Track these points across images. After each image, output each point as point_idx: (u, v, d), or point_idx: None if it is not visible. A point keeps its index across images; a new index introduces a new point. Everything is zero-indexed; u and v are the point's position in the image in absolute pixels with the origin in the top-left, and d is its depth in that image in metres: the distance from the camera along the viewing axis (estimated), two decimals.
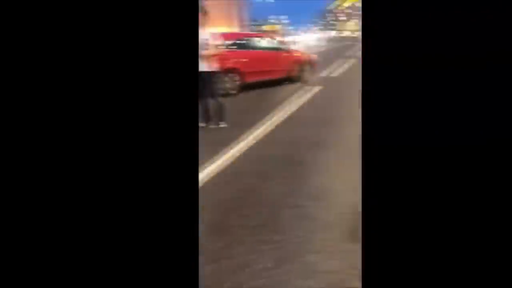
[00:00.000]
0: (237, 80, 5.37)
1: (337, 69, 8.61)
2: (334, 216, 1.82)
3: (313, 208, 1.91)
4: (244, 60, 5.47)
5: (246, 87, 5.57)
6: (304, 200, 2.00)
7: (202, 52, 3.11)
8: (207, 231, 1.60)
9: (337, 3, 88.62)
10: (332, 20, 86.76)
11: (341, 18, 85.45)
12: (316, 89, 5.86)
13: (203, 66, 3.11)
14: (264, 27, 44.34)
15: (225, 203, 1.98)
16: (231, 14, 20.30)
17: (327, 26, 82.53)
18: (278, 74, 6.20)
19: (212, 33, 3.32)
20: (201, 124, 3.35)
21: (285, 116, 4.07)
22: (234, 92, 5.28)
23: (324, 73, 7.74)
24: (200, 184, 2.19)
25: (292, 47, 7.90)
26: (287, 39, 16.82)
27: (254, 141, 3.10)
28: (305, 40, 28.17)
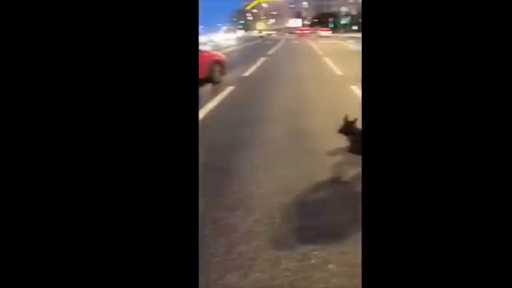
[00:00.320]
0: None
1: (249, 69, 8.84)
2: (257, 224, 1.78)
3: (233, 218, 1.83)
4: None
5: None
6: (224, 211, 1.90)
7: None
8: None
9: (245, 3, 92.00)
10: (241, 20, 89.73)
11: (249, 18, 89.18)
12: (229, 89, 5.85)
13: None
14: None
15: None
16: None
17: (237, 26, 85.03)
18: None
19: None
20: None
21: (199, 118, 3.90)
22: None
23: (235, 73, 7.83)
24: None
25: (203, 47, 7.75)
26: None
27: None
28: (215, 40, 28.27)
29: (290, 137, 3.17)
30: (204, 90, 5.77)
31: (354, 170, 2.41)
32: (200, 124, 3.68)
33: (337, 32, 49.76)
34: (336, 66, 8.57)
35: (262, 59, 11.16)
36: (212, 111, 4.32)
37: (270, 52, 15.18)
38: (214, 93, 5.43)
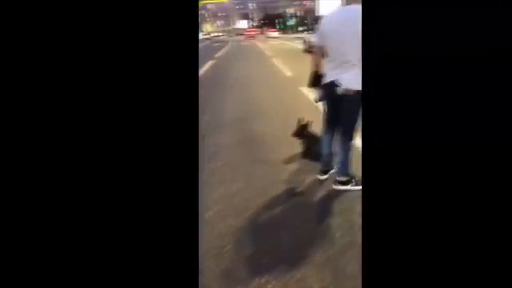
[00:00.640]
0: None
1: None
2: (203, 257, 1.54)
3: None
4: None
5: None
6: None
7: None
8: None
9: None
10: None
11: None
12: None
13: None
14: None
15: None
16: None
17: None
18: None
19: None
20: None
21: None
22: None
23: None
24: None
25: None
26: None
27: None
28: None
29: (240, 146, 2.98)
30: None
31: (310, 177, 2.31)
32: None
33: (284, 33, 51.39)
34: (285, 67, 8.66)
35: (210, 62, 10.88)
36: None
37: (218, 54, 14.94)
38: None
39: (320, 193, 2.12)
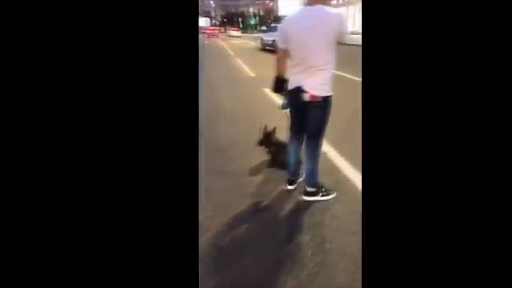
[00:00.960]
0: None
1: None
2: None
3: None
4: None
5: None
6: None
7: None
8: None
9: None
10: None
11: None
12: None
13: None
14: None
15: None
16: None
17: None
18: None
19: None
20: None
21: None
22: None
23: None
24: None
25: None
26: None
27: None
28: None
29: (202, 157, 2.77)
30: None
31: (277, 188, 2.18)
32: None
33: (245, 32, 51.44)
34: (248, 67, 8.54)
35: None
36: None
37: None
38: None
39: (288, 206, 2.00)
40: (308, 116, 1.85)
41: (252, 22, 60.27)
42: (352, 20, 27.20)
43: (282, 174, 2.26)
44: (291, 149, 2.09)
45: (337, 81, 1.78)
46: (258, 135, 2.48)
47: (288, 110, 1.99)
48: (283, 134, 2.31)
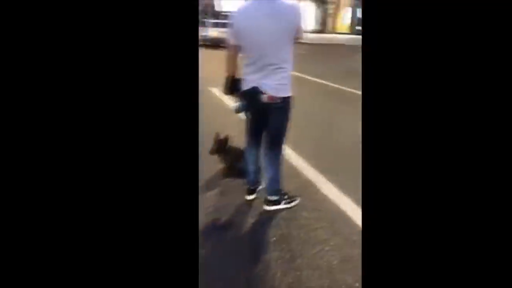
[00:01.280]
0: None
1: None
2: None
3: None
4: None
5: None
6: None
7: None
8: None
9: None
10: None
11: None
12: None
13: None
14: None
15: None
16: None
17: None
18: None
19: None
20: None
21: None
22: None
23: None
24: None
25: None
26: None
27: None
28: None
29: None
30: None
31: (236, 200, 2.01)
32: None
33: None
34: None
35: None
36: None
37: None
38: None
39: (251, 219, 1.85)
40: (267, 119, 1.71)
41: None
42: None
43: (241, 184, 2.10)
44: (249, 156, 1.93)
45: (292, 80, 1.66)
46: (210, 143, 2.27)
47: (243, 113, 1.82)
48: (238, 140, 2.14)
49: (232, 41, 1.63)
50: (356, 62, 8.58)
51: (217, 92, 4.52)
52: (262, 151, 1.87)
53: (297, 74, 6.47)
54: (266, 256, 1.56)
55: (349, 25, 21.23)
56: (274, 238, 1.68)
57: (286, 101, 1.64)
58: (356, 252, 1.58)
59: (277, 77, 1.57)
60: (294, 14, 1.50)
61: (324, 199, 2.04)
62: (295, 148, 2.70)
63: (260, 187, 2.06)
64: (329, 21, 22.12)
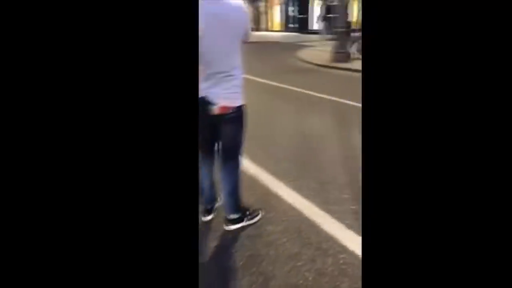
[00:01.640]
0: None
1: None
2: None
3: None
4: None
5: None
6: None
7: None
8: None
9: None
10: None
11: None
12: None
13: None
14: None
15: None
16: None
17: None
18: None
19: None
20: None
21: None
22: None
23: None
24: None
25: None
26: None
27: None
28: None
29: None
30: None
31: None
32: None
33: None
34: None
35: None
36: None
37: None
38: None
39: (212, 242, 1.69)
40: (220, 131, 1.56)
41: None
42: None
43: None
44: (202, 172, 1.76)
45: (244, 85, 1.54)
46: None
47: None
48: None
49: None
50: (293, 60, 8.85)
51: None
52: (217, 165, 1.72)
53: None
54: (236, 283, 1.42)
55: (282, 22, 21.94)
56: (242, 262, 1.55)
57: (239, 110, 1.52)
58: (330, 261, 1.53)
59: (228, 85, 1.44)
60: (242, 16, 1.39)
61: (287, 207, 1.97)
62: (249, 155, 2.59)
63: (217, 204, 1.90)
64: (263, 18, 22.59)
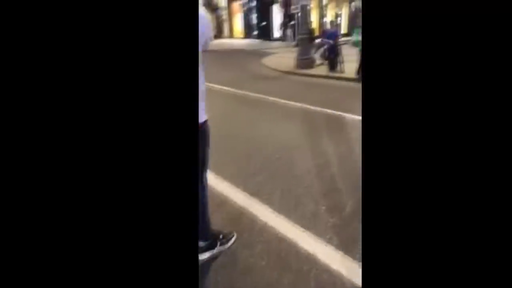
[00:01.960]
0: None
1: None
2: None
3: None
4: None
5: None
6: None
7: None
8: None
9: None
10: None
11: None
12: None
13: None
14: None
15: None
16: None
17: None
18: None
19: None
20: None
21: None
22: None
23: None
24: None
25: None
26: None
27: None
28: None
29: None
30: None
31: None
32: None
33: None
34: None
35: None
36: None
37: None
38: None
39: None
40: None
41: None
42: None
43: None
44: None
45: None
46: None
47: None
48: None
49: None
50: (259, 67, 8.86)
51: None
52: None
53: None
54: None
55: (244, 30, 22.14)
56: None
57: (202, 127, 1.37)
58: (312, 284, 1.42)
59: None
60: (205, 26, 1.27)
61: (263, 226, 1.84)
62: (216, 171, 2.44)
63: None
64: (224, 26, 22.65)
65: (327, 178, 2.39)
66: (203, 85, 1.36)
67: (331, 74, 7.01)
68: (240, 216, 1.95)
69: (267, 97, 5.20)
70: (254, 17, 20.77)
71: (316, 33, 8.45)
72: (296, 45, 8.63)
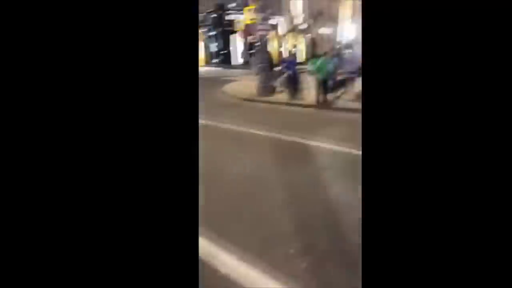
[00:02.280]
0: None
1: None
2: None
3: None
4: None
5: None
6: None
7: None
8: None
9: None
10: None
11: None
12: None
13: None
14: None
15: None
16: None
17: None
18: None
19: None
20: None
21: None
22: None
23: None
24: None
25: None
26: None
27: None
28: None
29: None
30: None
31: None
32: None
33: None
34: None
35: None
36: None
37: None
38: None
39: None
40: None
41: None
42: None
43: None
44: None
45: None
46: None
47: None
48: None
49: None
50: (220, 94, 8.78)
51: None
52: None
53: None
54: None
55: (205, 57, 22.39)
56: None
57: None
58: None
59: None
60: None
61: (224, 280, 1.60)
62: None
63: None
64: None
65: (295, 212, 2.22)
66: None
67: (292, 101, 7.10)
68: (200, 267, 1.68)
69: (228, 125, 5.05)
70: (214, 45, 21.09)
71: (275, 61, 8.66)
72: (257, 73, 8.74)
